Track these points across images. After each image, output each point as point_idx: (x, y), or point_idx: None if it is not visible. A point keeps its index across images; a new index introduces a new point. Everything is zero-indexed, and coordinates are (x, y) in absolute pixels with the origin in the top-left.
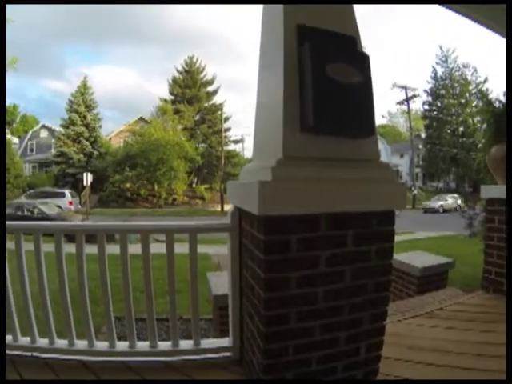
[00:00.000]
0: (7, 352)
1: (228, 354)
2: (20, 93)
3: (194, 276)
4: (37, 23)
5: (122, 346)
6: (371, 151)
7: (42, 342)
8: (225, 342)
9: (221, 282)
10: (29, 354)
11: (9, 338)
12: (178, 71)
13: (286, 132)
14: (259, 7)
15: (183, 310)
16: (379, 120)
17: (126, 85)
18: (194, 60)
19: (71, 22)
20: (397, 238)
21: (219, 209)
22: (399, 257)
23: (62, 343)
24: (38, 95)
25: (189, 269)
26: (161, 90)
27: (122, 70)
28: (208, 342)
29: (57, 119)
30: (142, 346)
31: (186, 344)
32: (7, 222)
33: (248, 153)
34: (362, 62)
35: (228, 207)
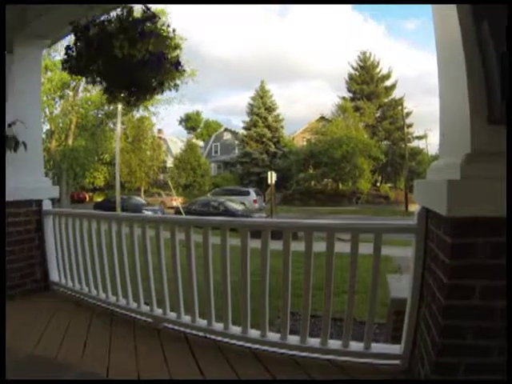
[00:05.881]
0: (184, 330)
1: (397, 362)
2: (201, 101)
3: (375, 277)
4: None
5: (293, 339)
6: None
7: (217, 326)
8: (395, 349)
9: (400, 286)
10: (203, 334)
11: (187, 318)
12: (352, 68)
13: (474, 125)
14: None
15: (357, 311)
16: None
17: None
18: (367, 55)
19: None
20: None
21: (403, 208)
22: None
23: (235, 330)
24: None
25: (371, 270)
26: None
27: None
28: (378, 347)
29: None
30: (313, 342)
31: (355, 346)
32: (191, 217)
33: (432, 149)
34: None
35: (413, 207)
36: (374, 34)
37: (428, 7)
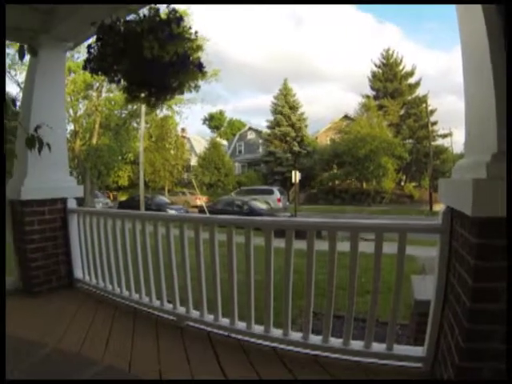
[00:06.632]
0: (207, 329)
1: (419, 364)
2: (224, 100)
3: (399, 277)
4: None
5: (315, 339)
6: None
7: (240, 325)
8: (418, 351)
9: (424, 287)
10: (226, 333)
11: (210, 317)
12: (375, 65)
13: (500, 123)
14: None
15: (380, 312)
16: None
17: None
18: (391, 52)
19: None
20: None
21: (428, 208)
22: None
23: (258, 329)
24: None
25: (395, 270)
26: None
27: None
28: (400, 349)
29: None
30: (335, 342)
31: (378, 347)
32: (219, 216)
33: (457, 147)
34: None
35: (437, 207)
36: (391, 35)
37: (446, 8)
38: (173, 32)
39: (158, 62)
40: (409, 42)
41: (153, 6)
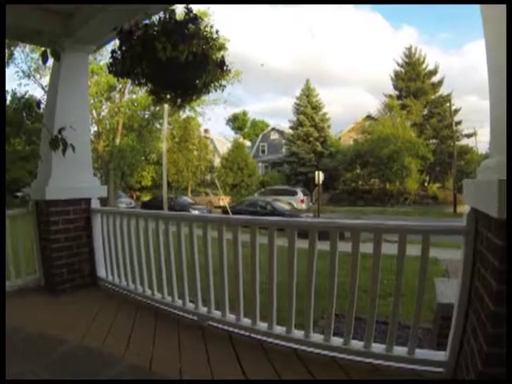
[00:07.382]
0: (228, 329)
1: (441, 369)
2: (245, 102)
3: (422, 280)
4: None
5: (336, 341)
6: None
7: (262, 325)
8: (440, 355)
9: (447, 290)
10: (247, 333)
11: (231, 317)
12: (398, 64)
13: None
14: None
15: (402, 314)
16: None
17: None
18: (413, 51)
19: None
20: None
21: (452, 209)
22: None
23: (280, 330)
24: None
25: (418, 272)
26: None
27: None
28: (422, 353)
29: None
30: (356, 345)
31: (399, 350)
32: (243, 216)
33: (482, 147)
34: None
35: (461, 208)
36: (407, 35)
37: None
38: (189, 32)
39: (176, 63)
40: (425, 42)
41: (169, 7)
